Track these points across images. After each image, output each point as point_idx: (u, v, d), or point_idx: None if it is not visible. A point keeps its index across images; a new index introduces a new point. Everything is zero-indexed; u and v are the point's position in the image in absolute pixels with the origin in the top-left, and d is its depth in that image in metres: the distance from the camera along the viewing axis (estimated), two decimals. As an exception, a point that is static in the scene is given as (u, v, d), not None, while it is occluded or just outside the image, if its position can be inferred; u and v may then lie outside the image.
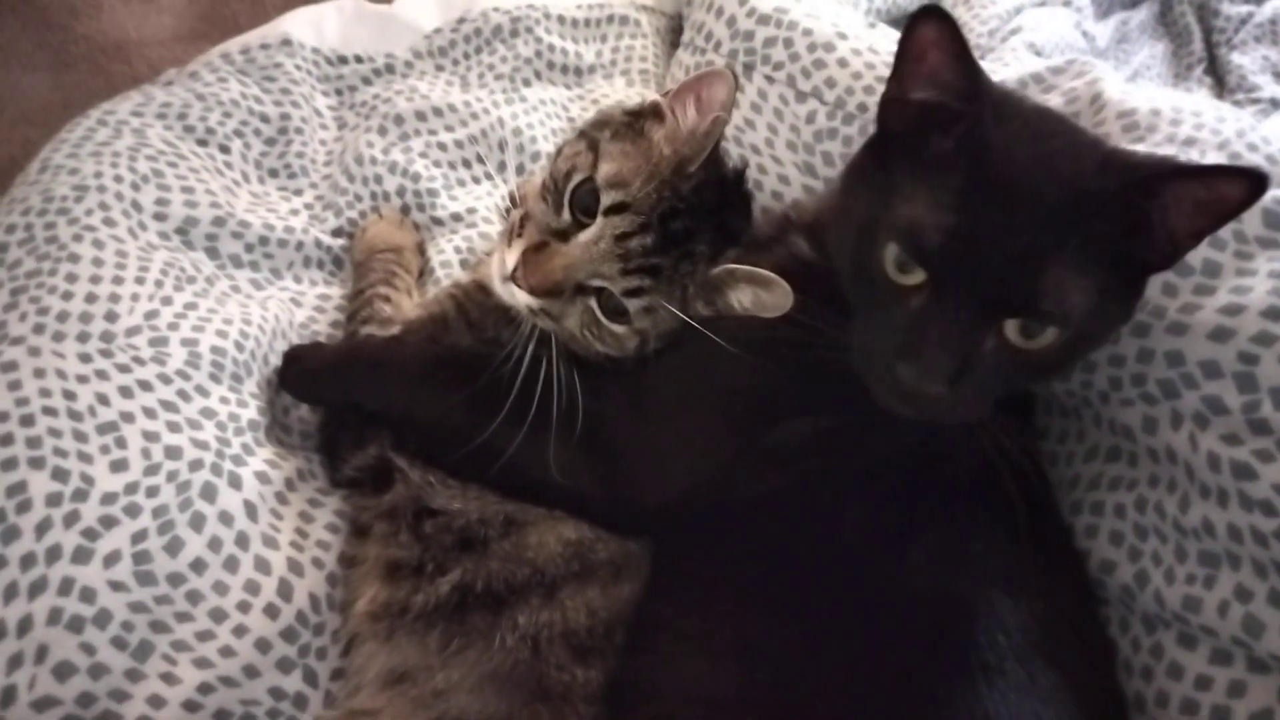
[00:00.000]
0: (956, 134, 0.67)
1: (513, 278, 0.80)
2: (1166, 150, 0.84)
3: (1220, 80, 1.69)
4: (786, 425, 0.77)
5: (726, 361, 0.77)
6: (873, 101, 1.02)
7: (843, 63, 1.05)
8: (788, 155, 1.08)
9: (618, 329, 0.82)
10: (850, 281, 0.74)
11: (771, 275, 0.76)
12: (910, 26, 0.67)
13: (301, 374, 0.93)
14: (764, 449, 0.77)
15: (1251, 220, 0.76)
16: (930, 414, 0.69)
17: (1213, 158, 0.83)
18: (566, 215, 0.81)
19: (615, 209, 0.78)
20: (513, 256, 0.81)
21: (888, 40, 1.08)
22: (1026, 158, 0.66)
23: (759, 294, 0.78)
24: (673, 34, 1.52)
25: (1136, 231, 0.65)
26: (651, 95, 0.86)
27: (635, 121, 0.84)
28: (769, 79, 1.10)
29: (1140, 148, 0.84)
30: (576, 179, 0.80)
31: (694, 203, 0.81)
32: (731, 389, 0.79)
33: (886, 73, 1.01)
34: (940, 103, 0.68)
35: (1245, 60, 1.65)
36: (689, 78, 0.81)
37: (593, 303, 0.81)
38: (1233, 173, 0.62)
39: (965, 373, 0.66)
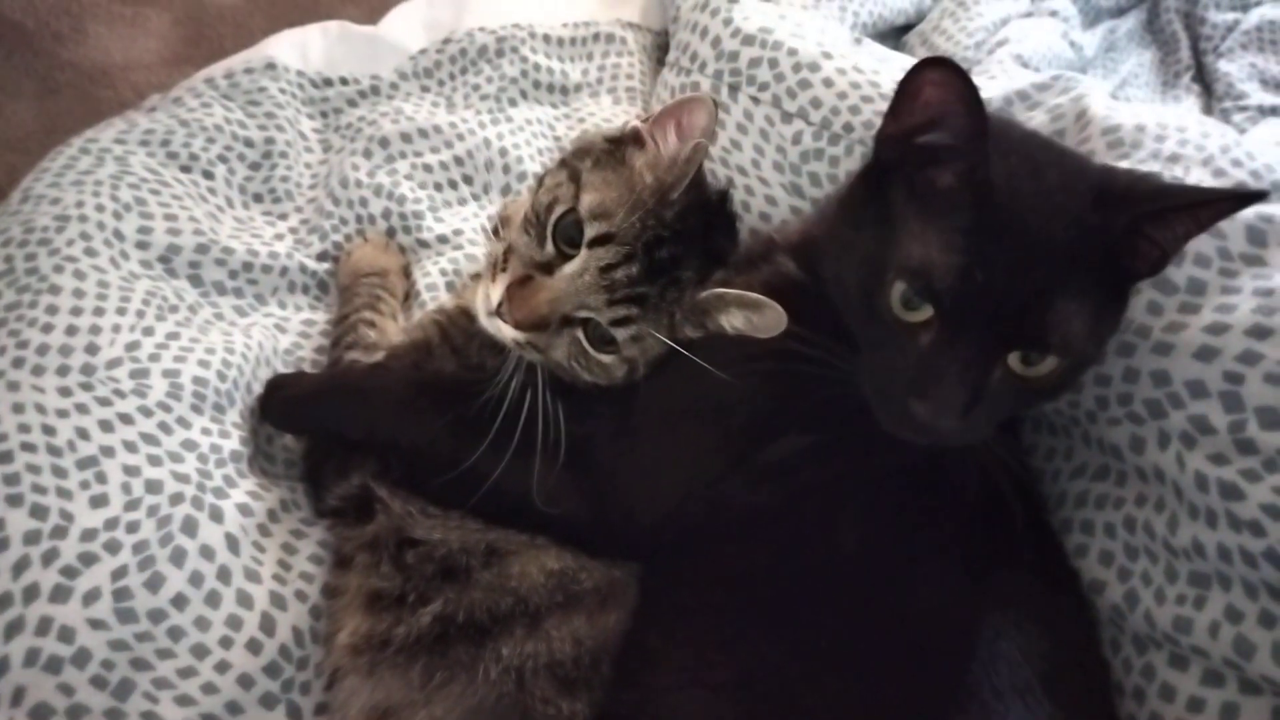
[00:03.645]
0: (957, 170, 0.68)
1: (498, 313, 0.80)
2: (1151, 167, 0.83)
3: (1208, 88, 1.70)
4: (780, 441, 0.77)
5: (717, 379, 0.76)
6: (859, 121, 1.02)
7: (828, 82, 1.04)
8: (774, 176, 1.08)
9: (605, 359, 0.81)
10: (855, 316, 0.74)
11: (763, 299, 0.75)
12: (911, 75, 0.67)
13: (284, 403, 0.93)
14: (756, 464, 0.77)
15: (1236, 237, 0.76)
16: (941, 441, 0.69)
17: (1197, 174, 0.83)
18: (550, 248, 0.80)
19: (599, 240, 0.78)
20: (497, 291, 0.80)
21: (872, 59, 1.08)
22: (1029, 194, 0.66)
23: (750, 317, 0.78)
24: (659, 51, 1.51)
25: (1131, 252, 0.67)
26: (634, 120, 0.85)
27: (616, 149, 0.83)
28: (754, 99, 1.09)
29: (1125, 164, 0.84)
30: (559, 211, 0.80)
31: (678, 229, 0.81)
32: (722, 405, 0.79)
33: (871, 92, 1.02)
34: (942, 143, 0.68)
35: (1233, 68, 1.66)
36: (669, 104, 0.81)
37: (579, 334, 0.80)
38: (1229, 198, 0.65)
39: (976, 404, 0.67)
